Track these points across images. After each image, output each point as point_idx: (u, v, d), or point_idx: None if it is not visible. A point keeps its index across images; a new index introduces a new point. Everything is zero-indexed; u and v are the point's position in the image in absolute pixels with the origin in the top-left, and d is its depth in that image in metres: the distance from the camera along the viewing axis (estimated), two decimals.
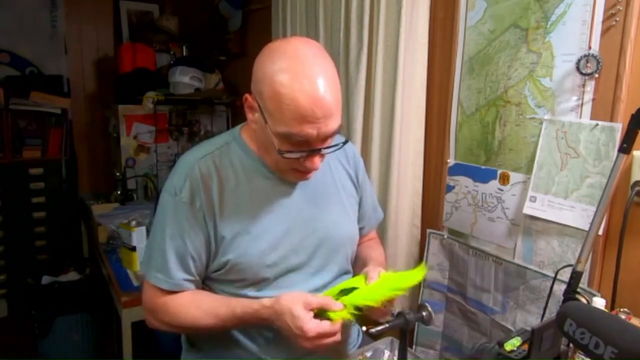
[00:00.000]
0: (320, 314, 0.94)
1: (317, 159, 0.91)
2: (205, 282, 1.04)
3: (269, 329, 1.01)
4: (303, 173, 0.96)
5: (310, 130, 0.85)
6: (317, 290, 1.02)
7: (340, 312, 0.89)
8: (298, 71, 0.83)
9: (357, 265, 1.15)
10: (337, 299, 0.92)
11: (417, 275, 0.95)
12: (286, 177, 0.99)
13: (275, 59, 0.86)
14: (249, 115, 0.95)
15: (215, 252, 0.98)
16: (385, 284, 0.94)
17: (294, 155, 0.89)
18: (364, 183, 1.19)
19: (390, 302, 0.95)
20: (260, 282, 1.00)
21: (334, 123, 0.87)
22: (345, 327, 1.16)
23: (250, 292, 1.00)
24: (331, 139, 0.92)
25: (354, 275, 1.14)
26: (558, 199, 1.18)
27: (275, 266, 0.99)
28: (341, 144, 0.95)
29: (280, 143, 0.88)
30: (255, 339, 1.02)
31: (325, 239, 1.05)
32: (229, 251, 0.97)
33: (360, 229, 1.19)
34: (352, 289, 0.95)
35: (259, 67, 0.89)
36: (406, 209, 1.59)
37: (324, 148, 0.91)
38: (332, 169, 1.11)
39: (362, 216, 1.19)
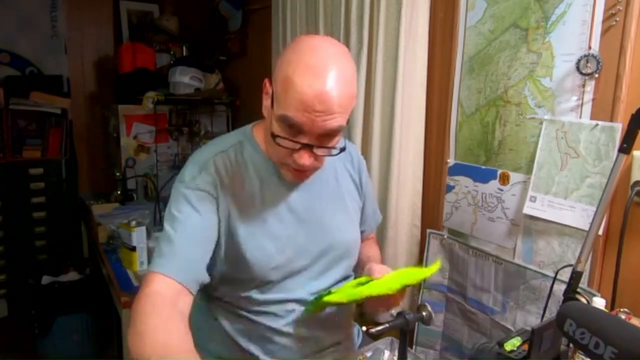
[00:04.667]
0: (316, 301, 0.98)
1: (307, 156, 0.89)
2: (209, 289, 1.02)
3: (276, 333, 1.01)
4: (296, 172, 0.94)
5: (305, 119, 0.85)
6: (319, 292, 1.02)
7: (336, 295, 0.94)
8: (311, 62, 0.85)
9: (356, 264, 1.15)
10: (353, 288, 0.95)
11: (430, 269, 0.97)
12: (282, 173, 0.98)
13: (297, 49, 0.88)
14: (263, 102, 0.95)
15: (225, 251, 0.97)
16: (399, 276, 0.95)
17: (286, 143, 0.88)
18: (367, 187, 1.18)
19: (402, 293, 0.96)
20: (264, 285, 1.00)
21: (333, 122, 0.86)
22: (348, 328, 1.17)
23: (255, 294, 1.00)
24: (329, 140, 0.90)
25: (356, 276, 1.14)
26: (558, 199, 1.18)
27: (280, 269, 0.99)
28: (338, 150, 0.93)
29: (277, 128, 0.88)
30: (260, 344, 1.02)
31: (330, 245, 1.05)
32: (236, 251, 0.96)
33: (361, 232, 1.18)
34: (368, 281, 0.97)
35: (281, 56, 0.91)
36: (406, 209, 1.59)
37: (317, 147, 0.89)
38: (337, 174, 1.10)
39: (364, 220, 1.19)
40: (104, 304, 2.29)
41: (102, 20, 3.20)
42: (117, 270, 1.92)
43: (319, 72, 0.84)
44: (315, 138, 0.88)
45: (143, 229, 1.90)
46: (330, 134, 0.89)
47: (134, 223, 1.89)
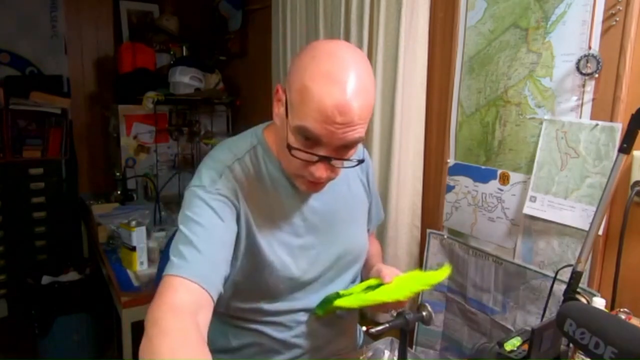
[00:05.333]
0: (326, 304, 0.97)
1: (325, 169, 0.85)
2: (217, 305, 0.94)
3: (284, 345, 1.01)
4: (311, 183, 0.90)
5: (324, 131, 0.80)
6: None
7: (347, 300, 0.93)
8: (331, 71, 0.79)
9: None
10: (364, 293, 0.95)
11: (442, 273, 0.96)
12: (295, 183, 0.94)
13: (314, 55, 0.82)
14: (275, 109, 0.90)
15: (242, 260, 0.94)
16: (410, 280, 0.95)
17: (302, 155, 0.83)
18: (373, 186, 1.16)
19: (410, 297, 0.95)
20: (276, 295, 0.98)
21: (354, 134, 0.81)
22: (353, 332, 1.17)
23: (265, 304, 0.98)
24: (347, 152, 0.86)
25: (362, 276, 1.15)
26: (558, 199, 1.18)
27: (294, 279, 0.97)
28: (356, 162, 0.88)
29: (293, 140, 0.83)
30: (268, 357, 1.02)
31: (342, 253, 1.04)
32: (253, 262, 0.94)
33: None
34: (379, 285, 0.96)
35: (296, 61, 0.85)
36: (406, 209, 1.59)
37: (335, 159, 0.85)
38: (349, 180, 1.07)
39: (369, 219, 1.17)
40: (104, 304, 2.29)
41: (102, 20, 3.20)
42: (117, 270, 1.92)
43: (338, 80, 0.78)
44: (333, 150, 0.83)
45: (143, 229, 1.90)
46: (349, 145, 0.85)
47: (134, 223, 1.90)
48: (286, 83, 0.86)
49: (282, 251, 0.96)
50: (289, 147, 0.83)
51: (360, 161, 0.89)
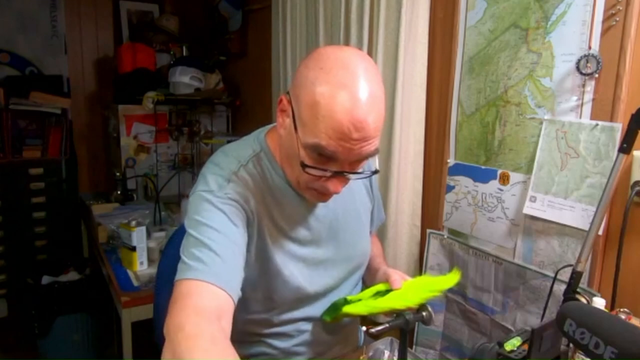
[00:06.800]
0: (334, 310, 0.96)
1: (339, 183, 0.84)
2: None
3: (286, 354, 1.00)
4: (321, 194, 0.88)
5: (341, 148, 0.77)
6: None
7: (357, 307, 0.92)
8: (343, 84, 0.75)
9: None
10: (374, 300, 0.94)
11: (451, 278, 0.96)
12: (303, 194, 0.92)
13: (323, 65, 0.78)
14: (279, 119, 0.87)
15: (250, 270, 0.91)
16: (419, 286, 0.94)
17: (317, 172, 0.81)
18: (376, 189, 1.15)
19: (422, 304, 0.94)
20: (283, 306, 0.97)
21: (370, 147, 0.79)
22: (355, 337, 1.17)
23: (271, 315, 0.97)
24: (361, 164, 0.85)
25: (364, 278, 1.14)
26: (558, 199, 1.18)
27: (300, 289, 0.96)
28: (370, 173, 0.88)
29: (305, 156, 0.80)
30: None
31: (346, 260, 1.04)
32: (261, 272, 0.93)
33: None
34: (387, 291, 0.95)
35: (303, 70, 0.81)
36: (406, 209, 1.59)
37: (351, 173, 0.83)
38: (353, 187, 1.05)
39: (372, 222, 1.17)
40: (104, 304, 2.29)
41: (102, 20, 3.20)
42: (117, 270, 1.92)
43: (351, 93, 0.75)
44: (348, 164, 0.82)
45: (143, 229, 1.90)
46: (366, 158, 0.83)
47: (134, 223, 1.90)
48: (291, 93, 0.83)
49: (289, 261, 0.94)
50: (303, 165, 0.81)
51: (375, 172, 0.88)
